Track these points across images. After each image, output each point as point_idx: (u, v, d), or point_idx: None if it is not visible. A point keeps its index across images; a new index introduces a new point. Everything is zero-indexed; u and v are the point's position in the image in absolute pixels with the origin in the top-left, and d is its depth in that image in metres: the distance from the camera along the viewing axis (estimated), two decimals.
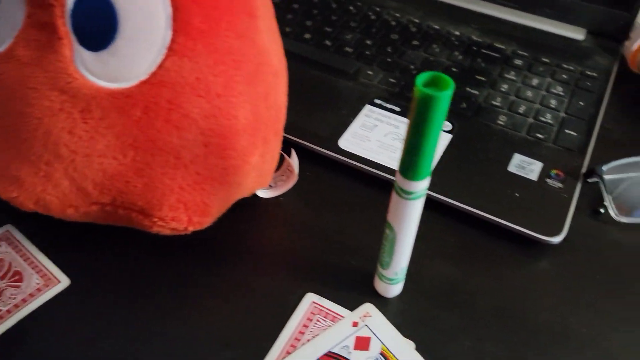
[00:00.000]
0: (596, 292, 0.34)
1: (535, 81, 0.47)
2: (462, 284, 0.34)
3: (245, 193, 0.34)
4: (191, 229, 0.31)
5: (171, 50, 0.28)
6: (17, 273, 0.33)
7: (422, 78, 0.23)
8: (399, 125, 0.42)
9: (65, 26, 0.28)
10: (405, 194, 0.27)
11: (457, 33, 0.51)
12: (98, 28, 0.27)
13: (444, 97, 0.22)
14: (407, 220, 0.28)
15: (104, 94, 0.28)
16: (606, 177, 0.38)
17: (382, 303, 0.33)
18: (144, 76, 0.28)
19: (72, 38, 0.28)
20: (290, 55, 0.48)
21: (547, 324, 0.32)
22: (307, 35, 0.50)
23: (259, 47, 0.31)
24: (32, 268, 0.34)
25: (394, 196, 0.27)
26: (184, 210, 0.30)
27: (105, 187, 0.29)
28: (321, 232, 0.36)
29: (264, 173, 0.34)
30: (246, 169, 0.31)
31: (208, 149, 0.29)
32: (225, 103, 0.29)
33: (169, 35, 0.28)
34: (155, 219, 0.30)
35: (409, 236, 0.29)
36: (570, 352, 0.31)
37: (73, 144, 0.28)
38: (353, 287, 0.34)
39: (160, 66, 0.28)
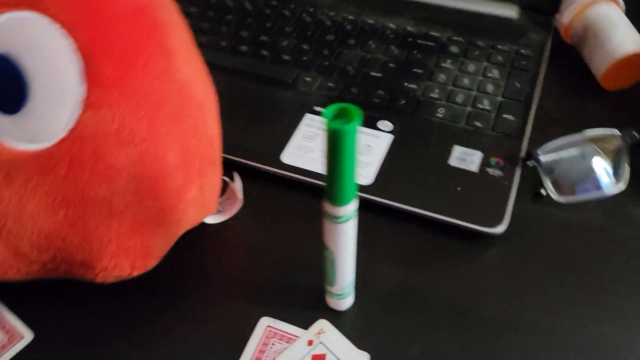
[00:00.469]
0: (543, 277, 0.35)
1: (471, 67, 0.47)
2: (413, 286, 0.35)
3: (188, 226, 0.34)
4: (136, 273, 0.32)
5: (87, 104, 0.28)
6: None
7: (329, 111, 0.23)
8: None
9: None
10: (335, 218, 0.27)
11: (393, 26, 0.52)
12: (8, 92, 0.27)
13: (351, 129, 0.23)
14: (342, 241, 0.29)
15: (26, 156, 0.28)
16: (543, 159, 0.39)
17: (336, 317, 0.34)
18: (63, 133, 0.28)
19: None
20: (227, 71, 0.48)
21: (498, 316, 0.33)
22: (244, 48, 0.50)
23: (178, 83, 0.31)
24: None
25: (325, 221, 0.28)
26: (125, 257, 0.30)
27: (43, 246, 0.29)
28: (272, 252, 0.37)
29: (206, 203, 0.35)
30: (183, 206, 0.32)
31: (141, 194, 0.29)
32: (152, 146, 0.29)
33: (82, 89, 0.28)
34: (97, 271, 0.30)
35: (348, 255, 0.30)
36: (520, 341, 0.32)
37: (2, 209, 0.28)
38: (306, 304, 0.34)
39: (79, 121, 0.28)
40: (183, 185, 0.31)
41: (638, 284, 0.34)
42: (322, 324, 0.33)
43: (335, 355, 0.32)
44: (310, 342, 0.32)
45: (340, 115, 0.24)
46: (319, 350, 0.32)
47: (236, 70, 0.48)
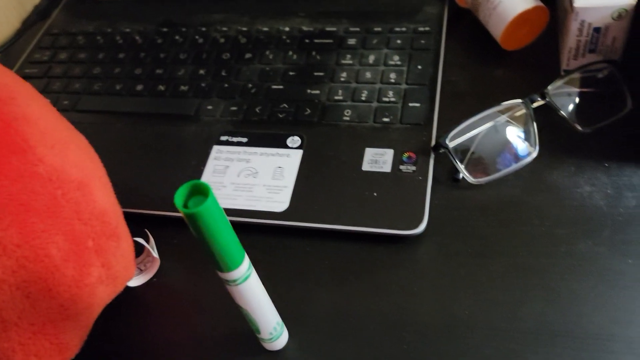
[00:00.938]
0: (471, 268, 0.35)
1: (372, 58, 0.46)
2: (345, 306, 0.34)
3: (104, 303, 0.33)
4: None
5: None
6: None
7: (180, 195, 0.22)
8: (250, 158, 0.41)
9: None
10: (232, 282, 0.26)
11: (287, 29, 0.50)
12: None
13: (207, 208, 0.22)
14: (249, 298, 0.28)
15: None
16: (451, 145, 0.38)
17: (275, 357, 0.33)
18: None
19: None
20: (127, 115, 0.46)
21: (433, 318, 0.33)
22: (139, 87, 0.48)
23: (44, 174, 0.29)
24: None
25: (226, 286, 0.27)
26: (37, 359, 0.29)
27: None
28: (201, 303, 0.36)
29: (118, 274, 0.33)
30: (88, 291, 0.31)
31: (31, 299, 0.28)
32: (28, 250, 0.28)
33: None
34: None
35: (262, 306, 0.29)
36: (459, 341, 0.32)
37: None
38: (245, 350, 0.34)
39: None
40: (79, 273, 0.30)
41: (564, 254, 0.34)
42: None
43: None
44: None
45: (195, 192, 0.22)
46: None
47: (136, 113, 0.46)
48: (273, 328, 0.31)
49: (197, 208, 0.21)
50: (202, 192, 0.22)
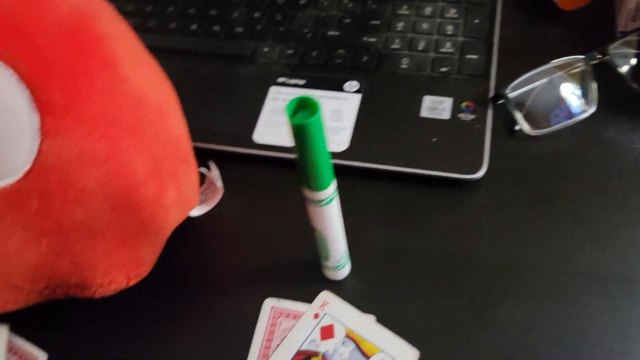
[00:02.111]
0: (528, 214, 0.36)
1: (428, 9, 0.46)
2: (403, 244, 0.36)
3: (173, 226, 0.34)
4: (132, 282, 0.32)
5: (44, 133, 0.27)
6: None
7: (290, 106, 0.23)
8: None
9: None
10: (317, 202, 0.27)
11: None
12: None
13: (314, 122, 0.23)
14: (329, 222, 0.29)
15: None
16: (511, 96, 0.39)
17: (336, 287, 0.34)
18: (27, 166, 0.27)
19: None
20: (182, 53, 0.47)
21: (488, 259, 0.34)
22: (194, 26, 0.48)
23: (130, 93, 0.30)
24: (8, 351, 0.34)
25: (308, 205, 0.28)
26: (118, 271, 0.31)
27: (34, 277, 0.29)
28: (261, 233, 0.37)
29: (186, 200, 0.34)
30: (164, 211, 0.32)
31: (118, 211, 0.29)
32: (117, 164, 0.29)
33: (36, 119, 0.27)
34: (94, 289, 0.30)
35: (337, 232, 0.30)
36: (513, 280, 0.33)
37: None
38: (305, 279, 0.35)
39: (39, 151, 0.27)
40: (158, 192, 0.31)
41: (619, 206, 0.35)
42: (325, 296, 0.34)
43: (342, 324, 0.33)
44: (316, 315, 0.33)
45: (302, 107, 0.23)
46: (325, 322, 0.33)
47: (191, 51, 0.47)
48: (341, 256, 0.32)
49: (307, 120, 0.22)
50: (308, 107, 0.23)
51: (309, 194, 0.27)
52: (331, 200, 0.28)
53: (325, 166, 0.25)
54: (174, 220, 0.33)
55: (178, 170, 0.33)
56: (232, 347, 0.33)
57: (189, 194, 0.35)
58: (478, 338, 0.32)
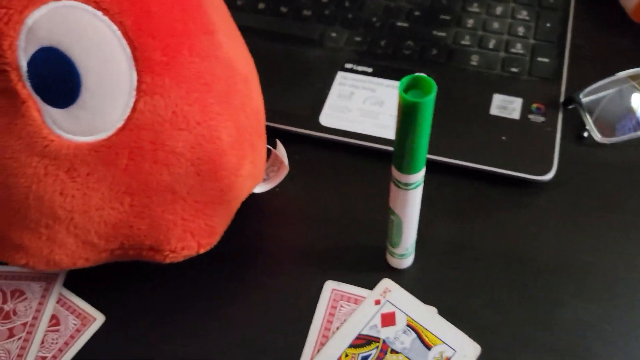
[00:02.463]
0: (593, 219, 0.36)
1: (499, 9, 0.46)
2: (467, 239, 0.36)
3: (243, 199, 0.34)
4: (202, 251, 0.32)
5: (140, 91, 0.27)
6: (53, 317, 0.34)
7: (404, 83, 0.23)
8: (375, 89, 0.42)
9: (25, 89, 0.26)
10: (405, 185, 0.27)
11: None
12: (59, 84, 0.26)
13: (428, 103, 0.23)
14: (410, 207, 0.29)
15: (85, 149, 0.27)
16: (584, 101, 0.39)
17: (397, 276, 0.34)
18: (120, 123, 0.27)
19: (36, 99, 0.27)
20: (248, 30, 0.46)
21: (552, 260, 0.34)
22: (261, 5, 0.48)
23: (223, 61, 0.30)
24: (66, 309, 0.34)
25: (393, 187, 0.28)
26: (191, 237, 0.31)
27: (111, 235, 0.29)
28: (323, 216, 0.37)
29: (256, 175, 0.35)
30: (240, 182, 0.32)
31: (201, 177, 0.29)
32: (206, 129, 0.29)
33: (134, 76, 0.27)
34: (166, 253, 0.30)
35: (414, 219, 0.30)
36: (578, 282, 0.33)
37: (67, 204, 0.28)
38: (367, 265, 0.35)
39: (134, 109, 0.27)
40: (238, 163, 0.31)
41: None
42: (387, 283, 0.34)
43: (403, 312, 0.33)
44: (377, 302, 0.33)
45: (414, 86, 0.23)
46: (387, 309, 0.33)
47: (258, 29, 0.47)
48: (410, 244, 0.32)
49: (420, 99, 0.22)
50: (420, 87, 0.23)
51: (398, 175, 0.27)
52: (418, 185, 0.28)
53: (423, 149, 0.25)
54: (245, 192, 0.33)
55: (256, 143, 0.33)
56: (291, 325, 0.33)
57: (259, 170, 0.35)
58: (540, 337, 0.32)
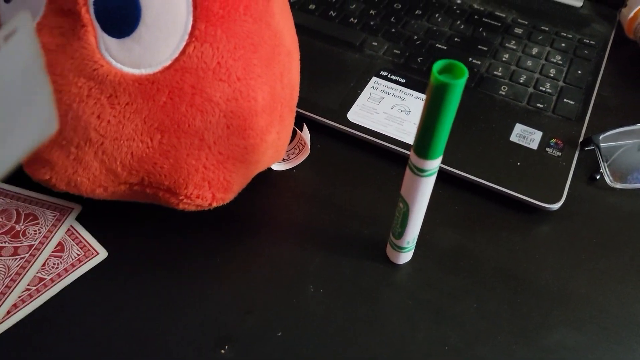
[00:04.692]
0: (593, 255, 0.37)
1: (535, 50, 0.48)
2: (467, 249, 0.36)
3: (262, 168, 0.36)
4: (215, 204, 0.33)
5: (193, 36, 0.29)
6: (59, 244, 0.35)
7: (438, 65, 0.24)
8: (405, 98, 0.43)
9: (88, 13, 0.29)
10: (420, 171, 0.28)
11: (459, 1, 0.52)
12: (120, 15, 0.28)
13: (459, 85, 0.24)
14: (420, 195, 0.30)
15: (130, 80, 0.29)
16: (602, 145, 0.40)
17: (394, 270, 0.35)
18: (167, 62, 0.29)
19: (96, 25, 0.29)
20: (296, 26, 0.49)
21: (547, 285, 0.35)
22: (312, 6, 0.51)
23: (273, 29, 0.32)
24: (73, 240, 0.35)
25: (408, 173, 0.29)
26: (208, 188, 0.32)
27: (134, 168, 0.31)
28: (332, 202, 0.38)
29: (279, 149, 0.36)
30: (264, 147, 0.33)
31: (230, 130, 0.31)
32: (245, 86, 0.30)
33: (190, 21, 0.29)
34: (182, 197, 0.32)
35: (422, 209, 0.31)
36: (569, 310, 0.34)
37: (102, 128, 0.29)
38: (363, 255, 0.36)
39: (183, 52, 0.29)
40: (266, 127, 0.33)
41: None
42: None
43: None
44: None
45: (447, 71, 0.25)
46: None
47: (305, 27, 0.49)
48: (412, 238, 0.33)
49: (452, 80, 0.24)
50: (453, 72, 0.25)
51: (416, 160, 0.28)
52: (432, 173, 0.29)
53: (444, 135, 0.27)
54: (265, 161, 0.35)
55: (285, 116, 0.34)
56: (280, 296, 0.34)
57: (282, 144, 0.36)
58: (521, 351, 0.32)
